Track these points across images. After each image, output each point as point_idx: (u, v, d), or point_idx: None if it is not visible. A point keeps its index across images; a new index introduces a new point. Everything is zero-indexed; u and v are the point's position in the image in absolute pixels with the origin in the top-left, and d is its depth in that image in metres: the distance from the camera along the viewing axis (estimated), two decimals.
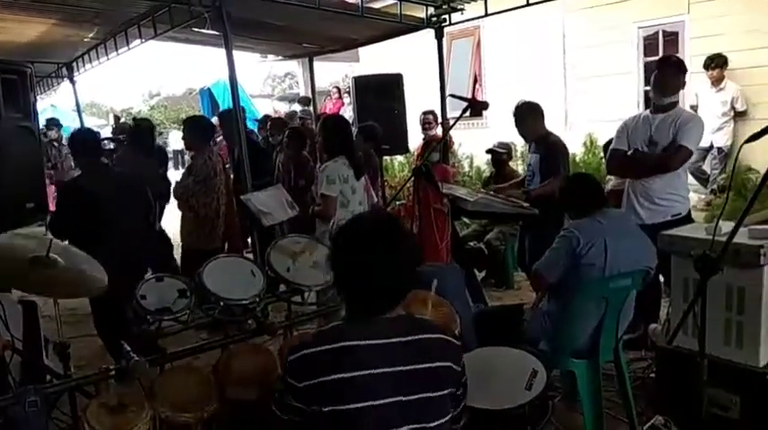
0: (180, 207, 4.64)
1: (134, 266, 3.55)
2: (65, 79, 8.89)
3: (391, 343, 1.54)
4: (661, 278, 3.51)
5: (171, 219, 5.24)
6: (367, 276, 1.55)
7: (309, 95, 9.64)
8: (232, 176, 5.24)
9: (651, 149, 3.58)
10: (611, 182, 4.52)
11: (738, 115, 6.75)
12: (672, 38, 7.52)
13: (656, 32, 7.66)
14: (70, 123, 10.57)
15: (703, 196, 6.81)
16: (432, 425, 1.54)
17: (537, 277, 3.05)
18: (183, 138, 5.01)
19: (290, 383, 1.52)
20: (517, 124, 4.39)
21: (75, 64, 8.28)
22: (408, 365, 1.53)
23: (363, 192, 4.03)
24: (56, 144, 8.54)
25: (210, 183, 4.53)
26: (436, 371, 1.56)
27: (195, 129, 4.77)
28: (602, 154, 6.23)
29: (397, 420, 1.51)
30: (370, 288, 1.56)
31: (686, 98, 6.77)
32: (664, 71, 3.63)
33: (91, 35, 6.60)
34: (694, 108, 6.42)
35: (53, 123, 8.84)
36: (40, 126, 6.82)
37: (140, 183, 4.16)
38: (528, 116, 4.37)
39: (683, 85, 3.70)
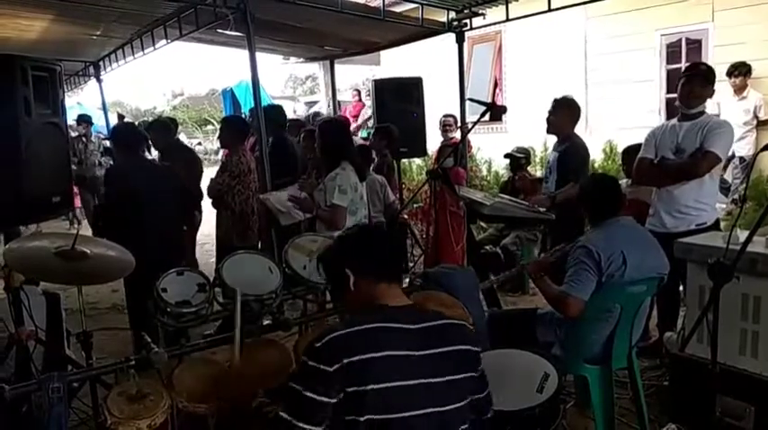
0: (215, 205, 4.71)
1: (169, 253, 3.72)
2: (92, 78, 9.05)
3: (412, 328, 1.64)
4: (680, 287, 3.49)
5: (203, 217, 5.34)
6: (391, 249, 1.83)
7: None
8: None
9: (678, 157, 3.53)
10: (622, 189, 4.48)
11: (761, 124, 6.65)
12: (695, 45, 7.44)
13: (679, 40, 7.59)
14: (96, 121, 10.74)
15: (724, 206, 6.73)
16: (448, 408, 1.61)
17: (568, 301, 2.74)
18: (219, 137, 5.14)
19: (318, 370, 1.52)
20: (550, 113, 4.38)
21: (102, 63, 8.43)
22: (429, 349, 1.62)
23: (366, 195, 3.96)
24: (84, 140, 8.68)
25: (246, 179, 4.62)
26: (455, 354, 1.66)
27: (231, 128, 4.88)
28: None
29: (418, 403, 1.57)
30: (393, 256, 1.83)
31: (708, 106, 6.71)
32: (690, 81, 3.54)
33: (118, 35, 6.73)
34: (716, 116, 6.36)
35: (84, 119, 8.99)
36: (69, 122, 6.99)
37: (175, 175, 4.34)
38: (557, 108, 4.36)
39: (710, 94, 3.61)
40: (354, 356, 1.53)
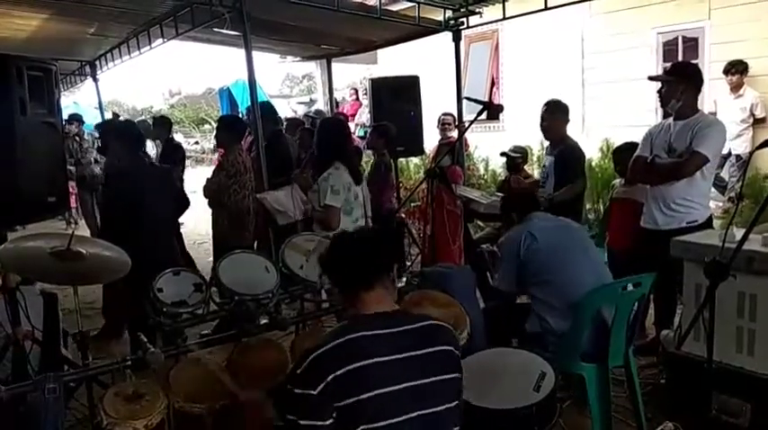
0: (211, 204, 4.70)
1: (165, 253, 3.74)
2: (88, 77, 9.02)
3: (394, 332, 1.63)
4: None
5: (201, 217, 5.34)
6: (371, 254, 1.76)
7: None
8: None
9: (671, 156, 3.53)
10: (615, 189, 4.49)
11: (757, 122, 6.68)
12: (691, 44, 7.45)
13: (676, 38, 7.59)
14: (92, 121, 10.72)
15: (721, 204, 6.74)
16: (440, 409, 1.60)
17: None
18: (215, 137, 5.12)
19: (304, 397, 1.52)
20: (542, 118, 4.40)
21: (98, 62, 8.41)
22: (414, 351, 1.61)
23: (362, 196, 3.92)
24: (77, 139, 8.64)
25: (242, 178, 4.60)
26: (441, 354, 1.65)
27: (227, 127, 4.88)
28: None
29: (410, 406, 1.56)
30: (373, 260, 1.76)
31: (705, 105, 6.73)
32: (661, 82, 3.62)
33: (114, 34, 6.71)
34: (713, 115, 6.36)
35: (74, 118, 8.94)
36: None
37: (170, 174, 4.37)
38: (553, 112, 4.39)
39: (686, 89, 3.49)
40: (340, 370, 1.52)
